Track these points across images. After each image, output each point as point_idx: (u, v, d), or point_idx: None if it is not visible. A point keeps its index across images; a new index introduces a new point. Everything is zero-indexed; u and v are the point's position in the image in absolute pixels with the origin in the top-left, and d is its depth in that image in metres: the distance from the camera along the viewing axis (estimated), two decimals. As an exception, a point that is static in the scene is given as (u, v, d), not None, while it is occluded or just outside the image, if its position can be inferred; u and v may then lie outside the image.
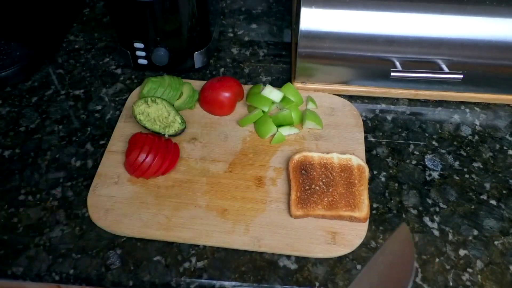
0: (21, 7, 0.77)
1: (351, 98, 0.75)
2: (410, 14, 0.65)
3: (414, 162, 0.67)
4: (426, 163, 0.67)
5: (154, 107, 0.67)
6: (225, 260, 0.56)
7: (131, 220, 0.59)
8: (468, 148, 0.69)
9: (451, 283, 0.55)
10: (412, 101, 0.75)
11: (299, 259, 0.57)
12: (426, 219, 0.61)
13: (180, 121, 0.67)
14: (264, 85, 0.72)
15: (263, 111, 0.69)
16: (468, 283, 0.55)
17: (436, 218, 0.61)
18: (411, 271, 0.38)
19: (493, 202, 0.62)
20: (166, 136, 0.66)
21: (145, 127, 0.66)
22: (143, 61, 0.76)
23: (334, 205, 0.59)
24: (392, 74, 0.66)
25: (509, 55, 0.66)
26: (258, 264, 0.56)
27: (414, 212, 0.61)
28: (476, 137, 0.70)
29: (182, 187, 0.62)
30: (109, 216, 0.59)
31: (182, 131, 0.67)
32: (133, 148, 0.62)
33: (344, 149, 0.67)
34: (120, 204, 0.60)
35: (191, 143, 0.68)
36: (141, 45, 0.73)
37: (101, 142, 0.69)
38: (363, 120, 0.71)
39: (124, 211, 0.60)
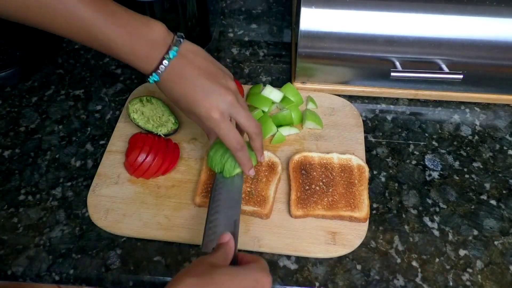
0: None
1: (351, 98, 0.75)
2: (410, 14, 0.65)
3: (414, 162, 0.67)
4: (426, 163, 0.67)
5: (149, 106, 0.67)
6: (225, 260, 0.56)
7: (131, 220, 0.59)
8: (468, 148, 0.69)
9: (451, 283, 0.55)
10: (412, 101, 0.75)
11: (299, 259, 0.57)
12: (426, 219, 0.61)
13: (173, 121, 0.67)
14: (264, 85, 0.72)
15: (263, 111, 0.69)
16: (468, 283, 0.55)
17: (436, 218, 0.61)
18: None
19: (493, 202, 0.62)
20: (162, 135, 0.66)
21: (138, 126, 0.66)
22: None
23: (334, 205, 0.59)
24: (392, 74, 0.66)
25: (509, 55, 0.66)
26: (258, 264, 0.56)
27: (414, 212, 0.61)
28: (476, 137, 0.70)
29: (182, 187, 0.63)
30: (109, 216, 0.59)
31: (175, 131, 0.67)
32: (133, 148, 0.62)
33: (344, 149, 0.67)
34: (120, 204, 0.60)
35: (191, 143, 0.68)
36: (141, 45, 0.73)
37: (101, 142, 0.69)
38: (363, 120, 0.71)
39: (124, 211, 0.60)
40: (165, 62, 0.49)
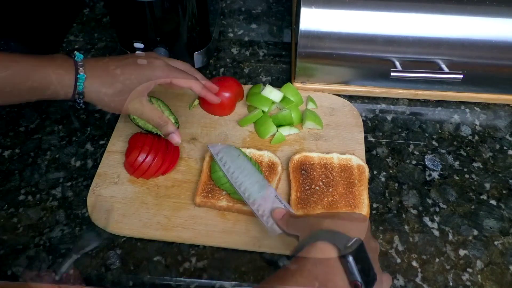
0: (21, 7, 0.76)
1: (351, 98, 0.75)
2: (410, 14, 0.65)
3: (414, 162, 0.67)
4: (426, 163, 0.67)
5: None
6: (225, 260, 0.56)
7: (131, 220, 0.59)
8: (468, 148, 0.69)
9: (451, 283, 0.55)
10: (412, 101, 0.75)
11: (299, 259, 0.57)
12: (426, 219, 0.61)
13: (173, 121, 0.66)
14: (264, 85, 0.72)
15: (263, 111, 0.69)
16: (468, 283, 0.55)
17: (436, 218, 0.61)
18: None
19: (493, 202, 0.62)
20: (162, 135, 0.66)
21: (138, 126, 0.66)
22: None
23: (334, 205, 0.59)
24: (392, 74, 0.66)
25: (509, 55, 0.66)
26: (258, 264, 0.56)
27: (414, 212, 0.61)
28: (476, 137, 0.70)
29: (182, 187, 0.63)
30: (109, 216, 0.59)
31: None
32: (133, 148, 0.62)
33: (344, 149, 0.67)
34: (120, 204, 0.60)
35: (191, 143, 0.68)
36: (141, 45, 0.73)
37: (101, 142, 0.69)
38: (363, 120, 0.71)
39: (124, 211, 0.60)
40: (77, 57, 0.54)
